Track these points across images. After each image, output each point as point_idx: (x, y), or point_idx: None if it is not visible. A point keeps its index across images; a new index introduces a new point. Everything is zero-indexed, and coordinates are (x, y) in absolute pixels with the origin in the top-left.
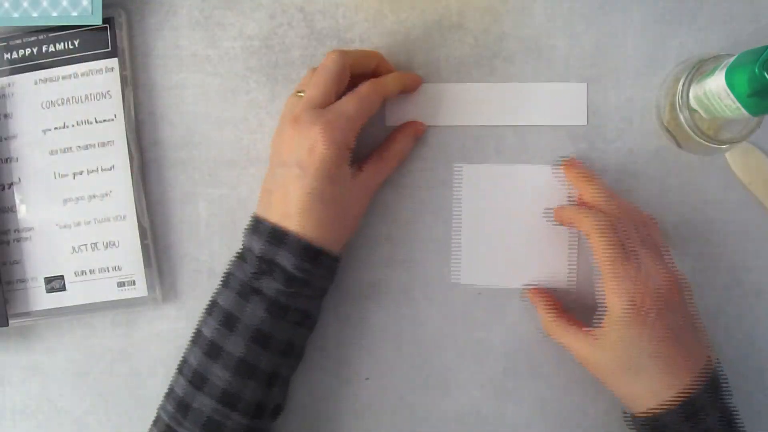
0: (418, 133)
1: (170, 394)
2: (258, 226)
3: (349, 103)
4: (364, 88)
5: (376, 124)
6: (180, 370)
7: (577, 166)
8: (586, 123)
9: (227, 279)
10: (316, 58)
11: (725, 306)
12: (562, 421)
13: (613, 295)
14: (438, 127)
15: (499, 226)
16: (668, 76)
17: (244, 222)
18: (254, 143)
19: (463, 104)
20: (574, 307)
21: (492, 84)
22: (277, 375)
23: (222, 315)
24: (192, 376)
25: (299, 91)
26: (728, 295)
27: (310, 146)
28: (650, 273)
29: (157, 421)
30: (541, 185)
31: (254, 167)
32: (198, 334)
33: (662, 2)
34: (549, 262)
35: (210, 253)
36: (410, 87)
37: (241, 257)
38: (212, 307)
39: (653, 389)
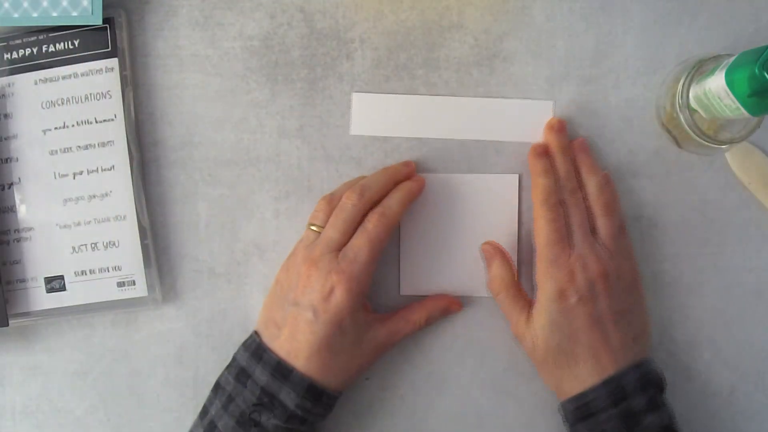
0: (449, 310)
1: None
2: (262, 355)
3: (363, 248)
4: (373, 227)
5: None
6: None
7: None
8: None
9: (227, 402)
10: (316, 58)
11: (725, 306)
12: (562, 421)
13: (542, 277)
14: (433, 139)
15: (441, 234)
16: (668, 76)
17: (244, 222)
18: (254, 143)
19: (436, 117)
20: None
21: (468, 99)
22: None
23: None
24: None
25: (312, 224)
26: (728, 295)
27: (327, 293)
28: (581, 260)
29: None
30: (484, 194)
31: (254, 167)
32: None
33: (662, 2)
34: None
35: (210, 253)
36: (416, 195)
37: (239, 379)
38: (211, 430)
39: (578, 375)
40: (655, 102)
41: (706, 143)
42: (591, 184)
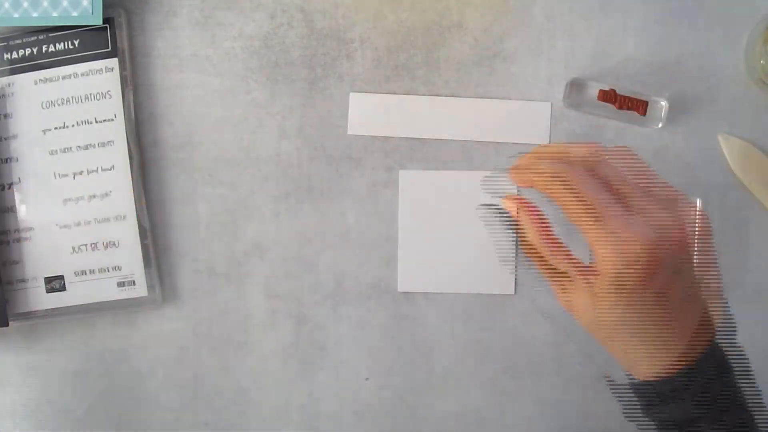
0: None
1: None
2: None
3: None
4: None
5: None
6: None
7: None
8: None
9: None
10: (316, 58)
11: None
12: (562, 421)
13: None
14: (433, 139)
15: (440, 232)
16: (750, 36)
17: (244, 222)
18: (254, 143)
19: (440, 118)
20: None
21: (468, 99)
22: None
23: None
24: None
25: None
26: (728, 295)
27: None
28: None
29: None
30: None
31: (254, 167)
32: None
33: (662, 2)
34: (493, 267)
35: (210, 253)
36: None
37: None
38: None
39: (649, 351)
40: (745, 65)
41: None
42: None
